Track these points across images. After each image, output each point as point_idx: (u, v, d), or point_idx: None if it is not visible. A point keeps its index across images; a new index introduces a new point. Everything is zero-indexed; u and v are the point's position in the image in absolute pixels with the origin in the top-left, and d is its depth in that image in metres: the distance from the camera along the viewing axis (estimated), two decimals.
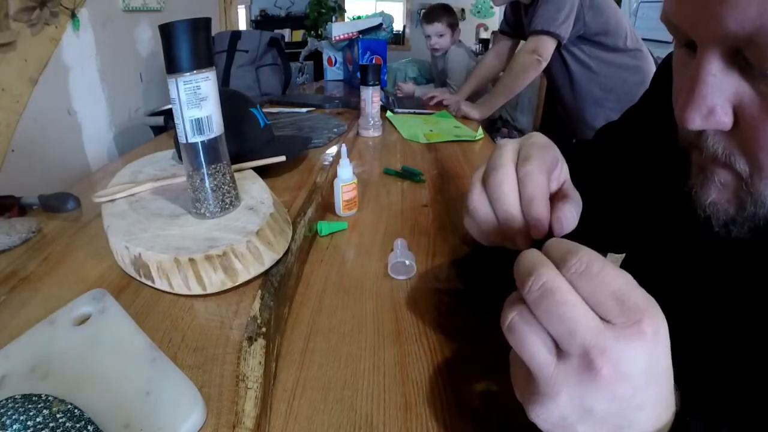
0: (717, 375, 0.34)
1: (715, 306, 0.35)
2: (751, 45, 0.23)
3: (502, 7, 1.59)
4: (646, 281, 0.24)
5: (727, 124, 0.27)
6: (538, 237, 0.33)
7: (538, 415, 0.24)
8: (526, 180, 0.33)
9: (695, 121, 0.27)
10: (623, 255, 0.54)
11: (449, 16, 2.00)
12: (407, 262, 0.52)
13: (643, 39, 1.48)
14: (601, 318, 0.23)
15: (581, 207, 0.35)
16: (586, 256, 0.23)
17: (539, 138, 0.36)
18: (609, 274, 0.23)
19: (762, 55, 0.23)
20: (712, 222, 0.31)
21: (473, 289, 0.51)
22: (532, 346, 0.24)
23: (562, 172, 0.36)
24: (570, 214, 0.34)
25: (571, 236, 0.29)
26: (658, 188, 0.42)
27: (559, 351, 0.23)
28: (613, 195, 0.49)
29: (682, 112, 0.27)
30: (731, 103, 0.26)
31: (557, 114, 1.73)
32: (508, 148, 0.35)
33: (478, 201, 0.35)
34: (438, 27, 1.98)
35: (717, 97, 0.26)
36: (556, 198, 0.35)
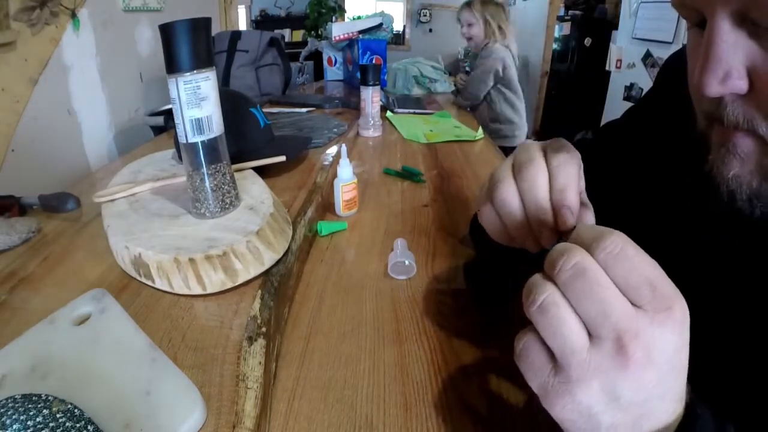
0: (732, 370, 0.33)
1: (721, 301, 0.35)
2: (756, 4, 0.24)
3: None
4: None
5: (744, 87, 0.27)
6: (565, 228, 0.32)
7: (564, 405, 0.23)
8: (559, 170, 0.32)
9: (712, 86, 0.27)
10: None
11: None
12: (407, 262, 0.52)
13: (643, 39, 1.47)
14: (632, 303, 0.22)
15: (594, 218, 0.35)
16: (619, 239, 0.23)
17: (564, 141, 0.36)
18: (642, 259, 0.23)
19: (767, 12, 0.24)
20: (735, 197, 0.30)
21: (474, 289, 0.51)
22: (567, 328, 0.23)
23: (582, 180, 0.35)
24: (588, 218, 0.33)
25: None
26: (665, 181, 0.42)
27: (590, 335, 0.23)
28: (616, 191, 0.49)
29: (699, 79, 0.28)
30: (745, 66, 0.27)
31: (557, 114, 1.72)
32: (535, 145, 0.35)
33: (507, 193, 0.34)
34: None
35: (731, 60, 0.27)
36: None
